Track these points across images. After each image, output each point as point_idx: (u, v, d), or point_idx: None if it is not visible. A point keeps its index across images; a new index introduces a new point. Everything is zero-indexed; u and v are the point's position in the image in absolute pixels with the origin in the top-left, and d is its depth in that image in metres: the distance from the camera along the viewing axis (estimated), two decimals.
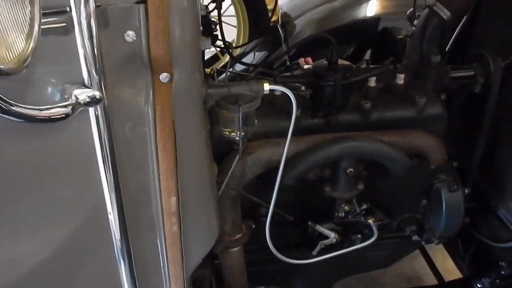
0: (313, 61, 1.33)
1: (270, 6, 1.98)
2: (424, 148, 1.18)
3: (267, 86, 0.92)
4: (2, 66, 0.44)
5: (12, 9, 0.47)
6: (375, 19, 1.85)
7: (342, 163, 1.16)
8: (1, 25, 0.45)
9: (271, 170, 1.11)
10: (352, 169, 1.16)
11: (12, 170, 0.69)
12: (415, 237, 1.35)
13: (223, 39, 1.29)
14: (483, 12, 1.37)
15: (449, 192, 1.26)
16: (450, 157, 1.29)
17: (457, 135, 1.38)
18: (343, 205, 1.25)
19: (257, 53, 1.96)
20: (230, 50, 1.34)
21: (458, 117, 1.43)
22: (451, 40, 1.42)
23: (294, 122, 0.97)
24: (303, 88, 1.18)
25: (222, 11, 1.28)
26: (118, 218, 0.77)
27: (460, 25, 1.39)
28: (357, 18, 1.88)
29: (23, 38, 0.49)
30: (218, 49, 1.39)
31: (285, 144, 1.01)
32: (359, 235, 1.29)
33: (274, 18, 1.94)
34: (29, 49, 0.50)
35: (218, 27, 1.27)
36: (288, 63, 1.53)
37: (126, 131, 0.72)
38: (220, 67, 1.60)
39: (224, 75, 1.43)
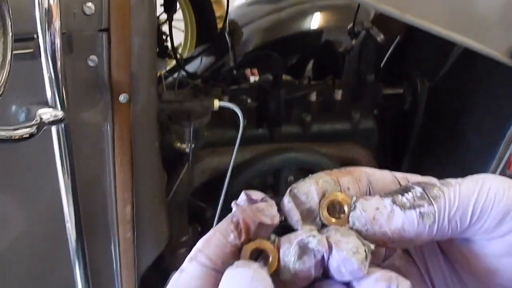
0: (258, 72, 1.42)
1: (218, 13, 2.03)
2: (356, 159, 1.31)
3: (217, 103, 1.00)
4: None
5: None
6: (318, 32, 1.96)
7: (283, 172, 1.26)
8: None
9: (217, 177, 1.19)
10: (292, 178, 1.26)
11: None
12: None
13: (173, 48, 1.34)
14: (414, 36, 1.51)
15: None
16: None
17: (387, 150, 1.51)
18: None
19: (204, 59, 2.01)
20: (179, 60, 1.39)
21: (390, 132, 1.57)
22: (385, 58, 1.55)
23: (241, 134, 1.05)
24: (249, 100, 1.27)
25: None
26: (75, 224, 0.81)
27: (393, 45, 1.53)
28: (301, 30, 1.98)
29: None
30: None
31: (231, 153, 1.09)
32: None
33: (221, 25, 2.00)
34: (3, 78, 0.54)
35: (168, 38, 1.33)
36: (235, 71, 1.61)
37: (86, 146, 0.77)
38: (167, 71, 1.64)
39: (170, 78, 1.48)
